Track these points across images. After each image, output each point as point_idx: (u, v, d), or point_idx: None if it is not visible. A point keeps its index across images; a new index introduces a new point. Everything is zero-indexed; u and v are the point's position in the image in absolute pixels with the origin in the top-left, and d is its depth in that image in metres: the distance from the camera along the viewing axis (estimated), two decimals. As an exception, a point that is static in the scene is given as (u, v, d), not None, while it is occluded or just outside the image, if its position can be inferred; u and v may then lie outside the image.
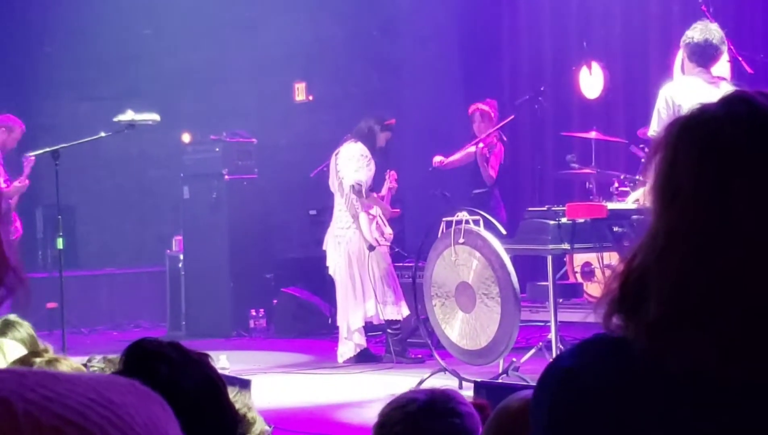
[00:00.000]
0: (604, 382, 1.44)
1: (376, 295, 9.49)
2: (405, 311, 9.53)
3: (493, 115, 11.00)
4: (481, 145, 10.51)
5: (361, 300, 9.54)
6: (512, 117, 10.61)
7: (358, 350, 9.58)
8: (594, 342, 1.50)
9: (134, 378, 2.11)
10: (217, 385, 2.31)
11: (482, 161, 10.65)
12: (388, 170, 9.99)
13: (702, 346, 1.37)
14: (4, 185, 10.88)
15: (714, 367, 1.37)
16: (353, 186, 9.53)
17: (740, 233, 1.39)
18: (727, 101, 1.47)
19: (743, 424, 1.38)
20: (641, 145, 9.79)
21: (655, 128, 7.37)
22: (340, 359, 9.59)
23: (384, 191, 9.90)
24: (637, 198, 7.80)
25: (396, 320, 9.57)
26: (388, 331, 9.59)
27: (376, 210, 9.67)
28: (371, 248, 9.49)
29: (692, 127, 1.46)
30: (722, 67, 9.10)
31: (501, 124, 10.62)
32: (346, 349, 9.60)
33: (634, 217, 7.39)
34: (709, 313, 1.38)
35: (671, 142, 1.46)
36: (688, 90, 7.26)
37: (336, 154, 9.76)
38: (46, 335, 11.21)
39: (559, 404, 1.47)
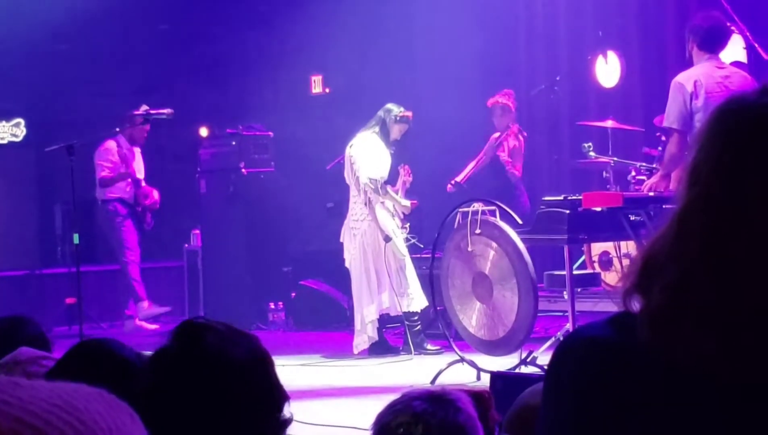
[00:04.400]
0: (621, 356, 1.42)
1: (393, 287, 9.48)
2: (423, 302, 9.52)
3: (511, 106, 11.03)
4: (504, 154, 10.72)
5: (375, 292, 9.53)
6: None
7: (371, 342, 9.57)
8: (616, 319, 1.47)
9: (182, 349, 2.18)
10: (265, 359, 2.34)
11: (508, 166, 10.85)
12: (402, 165, 9.97)
13: (703, 343, 1.34)
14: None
15: (715, 364, 1.34)
16: (369, 182, 9.52)
17: (749, 229, 1.36)
18: (762, 91, 1.44)
19: (746, 423, 1.35)
20: (658, 134, 9.75)
21: (670, 118, 7.34)
22: (355, 350, 9.59)
23: (398, 185, 9.87)
24: (650, 184, 7.76)
25: (414, 312, 9.55)
26: (406, 322, 9.57)
27: (390, 205, 9.66)
28: (387, 239, 9.47)
29: (717, 116, 1.44)
30: (739, 53, 9.07)
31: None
32: (360, 341, 9.60)
33: (651, 205, 7.36)
34: (711, 308, 1.35)
35: (703, 129, 1.44)
36: (697, 77, 7.24)
37: (350, 146, 9.74)
38: (66, 330, 11.29)
39: (583, 370, 1.45)
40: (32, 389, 0.97)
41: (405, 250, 9.64)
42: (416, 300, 9.54)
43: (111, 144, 11.40)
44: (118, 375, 2.62)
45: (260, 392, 2.30)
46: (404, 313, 9.51)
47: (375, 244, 9.54)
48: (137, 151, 11.68)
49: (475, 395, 2.62)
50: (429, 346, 9.57)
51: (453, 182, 10.81)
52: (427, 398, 2.43)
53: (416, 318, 9.59)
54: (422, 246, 10.19)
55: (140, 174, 11.69)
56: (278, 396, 2.35)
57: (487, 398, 2.65)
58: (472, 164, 10.92)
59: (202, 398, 2.24)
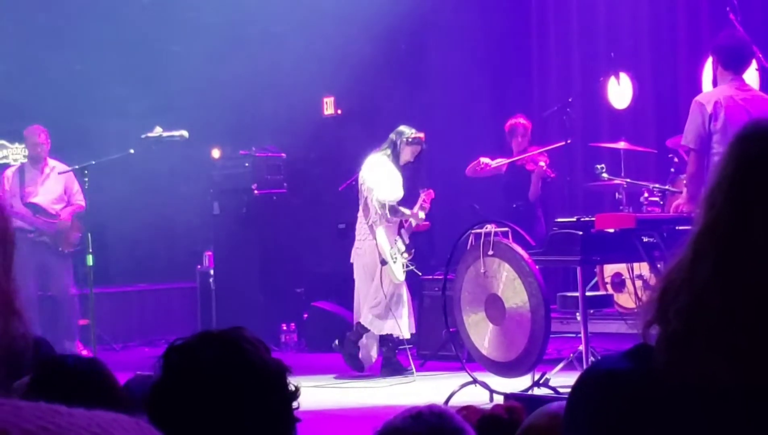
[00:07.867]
0: (637, 385, 1.43)
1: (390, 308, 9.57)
2: (407, 333, 9.56)
3: (529, 127, 11.04)
4: (542, 164, 10.61)
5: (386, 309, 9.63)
6: (563, 143, 10.58)
7: (377, 356, 9.69)
8: (633, 351, 1.49)
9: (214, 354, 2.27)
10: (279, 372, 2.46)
11: (537, 178, 10.76)
12: (424, 188, 9.92)
13: (714, 365, 1.35)
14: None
15: (725, 380, 1.35)
16: (379, 206, 9.54)
17: (755, 252, 1.37)
18: None
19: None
20: (670, 155, 9.75)
21: (688, 138, 7.32)
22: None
23: (416, 208, 9.82)
24: (677, 204, 7.75)
25: (396, 336, 9.61)
26: (389, 344, 9.63)
27: (406, 235, 9.71)
28: (383, 263, 9.49)
29: (735, 142, 1.45)
30: (752, 75, 9.06)
31: (551, 147, 10.67)
32: (367, 357, 9.72)
33: (665, 226, 7.35)
34: (722, 331, 1.36)
35: (723, 154, 1.46)
36: (718, 98, 7.23)
37: (362, 168, 9.78)
38: (79, 352, 11.28)
39: (600, 404, 1.46)
40: (71, 417, 0.98)
41: (401, 276, 9.64)
42: (403, 328, 9.59)
43: (8, 172, 11.04)
44: (81, 389, 2.67)
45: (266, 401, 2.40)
46: (387, 334, 9.58)
47: (373, 265, 9.59)
48: (50, 170, 11.22)
49: (509, 409, 2.63)
50: (403, 367, 9.62)
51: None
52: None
53: (397, 344, 9.64)
54: (420, 274, 10.15)
55: (42, 196, 11.10)
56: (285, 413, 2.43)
57: (520, 411, 2.65)
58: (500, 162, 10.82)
59: (209, 397, 2.33)
